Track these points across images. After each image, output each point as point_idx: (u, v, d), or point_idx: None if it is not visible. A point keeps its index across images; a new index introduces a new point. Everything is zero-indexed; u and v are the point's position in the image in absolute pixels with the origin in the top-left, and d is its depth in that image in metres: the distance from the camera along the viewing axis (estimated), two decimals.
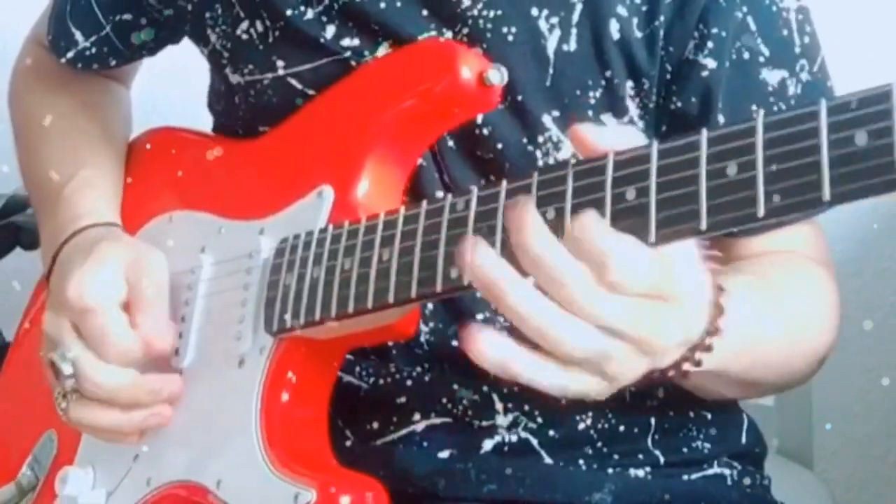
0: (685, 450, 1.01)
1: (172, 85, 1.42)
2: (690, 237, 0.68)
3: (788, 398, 1.42)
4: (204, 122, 1.13)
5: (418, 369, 0.98)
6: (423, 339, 0.97)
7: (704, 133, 0.68)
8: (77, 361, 0.93)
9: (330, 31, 0.97)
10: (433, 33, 0.95)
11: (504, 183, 0.77)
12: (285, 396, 0.90)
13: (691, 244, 0.71)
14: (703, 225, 0.67)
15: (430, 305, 0.96)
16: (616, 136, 0.73)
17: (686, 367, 0.77)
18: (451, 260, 0.78)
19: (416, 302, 0.81)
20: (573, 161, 0.73)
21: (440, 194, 0.94)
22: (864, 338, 1.67)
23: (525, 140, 0.95)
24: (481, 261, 0.70)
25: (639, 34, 0.94)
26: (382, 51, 0.96)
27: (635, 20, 0.94)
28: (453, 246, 0.78)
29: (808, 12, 0.99)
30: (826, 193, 0.63)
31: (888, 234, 1.68)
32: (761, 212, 0.65)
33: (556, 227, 0.71)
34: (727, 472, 1.03)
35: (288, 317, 0.88)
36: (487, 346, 0.70)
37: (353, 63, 0.97)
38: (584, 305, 0.69)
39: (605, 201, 0.71)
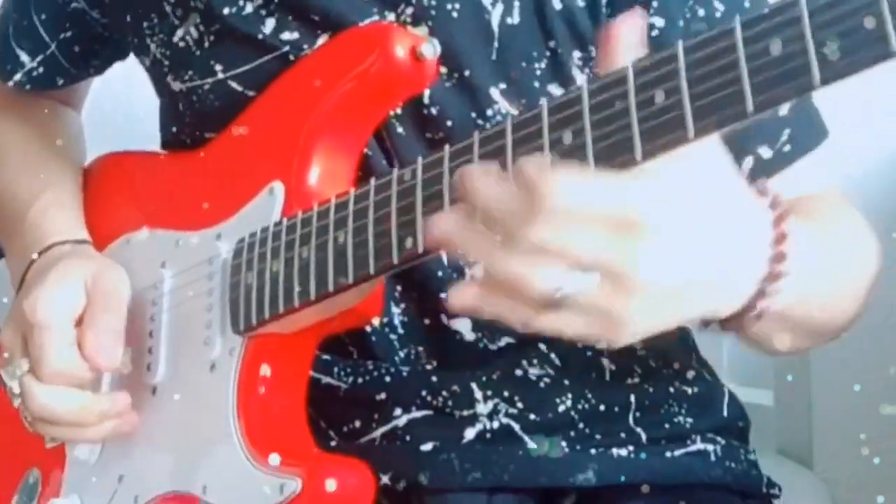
0: (667, 425, 1.01)
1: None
2: (629, 168, 0.68)
3: (788, 398, 1.42)
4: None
5: (396, 359, 0.98)
6: (397, 321, 0.98)
7: (630, 65, 0.69)
8: (23, 380, 0.94)
9: (269, 24, 0.98)
10: (375, 17, 0.96)
11: (447, 147, 0.78)
12: (260, 392, 0.90)
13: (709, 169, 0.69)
14: (639, 155, 0.68)
15: (398, 287, 0.97)
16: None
17: (761, 305, 0.74)
18: (404, 230, 0.79)
19: (375, 277, 0.82)
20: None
21: None
22: (864, 338, 1.67)
23: (474, 115, 0.96)
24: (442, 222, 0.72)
25: (581, 3, 0.95)
26: (321, 43, 0.97)
27: None
28: (405, 216, 0.79)
29: None
30: (749, 104, 0.64)
31: (888, 235, 1.68)
32: (691, 133, 0.66)
33: None
34: (710, 447, 1.02)
35: (253, 314, 0.89)
36: (457, 299, 0.70)
37: (291, 58, 0.97)
38: (528, 235, 0.67)
39: (544, 148, 0.72)
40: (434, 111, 0.96)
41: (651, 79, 0.68)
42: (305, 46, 0.97)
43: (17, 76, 1.15)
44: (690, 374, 1.04)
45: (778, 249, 0.73)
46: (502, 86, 0.96)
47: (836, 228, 0.88)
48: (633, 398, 1.00)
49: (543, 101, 0.73)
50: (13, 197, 1.11)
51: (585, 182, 0.67)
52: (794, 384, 1.40)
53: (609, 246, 0.67)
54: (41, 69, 1.15)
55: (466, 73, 0.96)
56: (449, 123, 0.96)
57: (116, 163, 1.14)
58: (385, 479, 0.94)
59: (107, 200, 1.11)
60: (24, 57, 1.14)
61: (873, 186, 1.66)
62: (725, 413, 1.05)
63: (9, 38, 1.15)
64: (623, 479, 0.98)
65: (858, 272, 0.91)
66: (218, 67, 1.00)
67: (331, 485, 0.84)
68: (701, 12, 0.95)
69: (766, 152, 0.95)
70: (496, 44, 0.95)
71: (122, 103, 1.41)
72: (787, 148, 0.96)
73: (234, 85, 1.00)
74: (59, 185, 1.11)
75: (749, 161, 0.95)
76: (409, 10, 0.96)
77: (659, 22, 0.95)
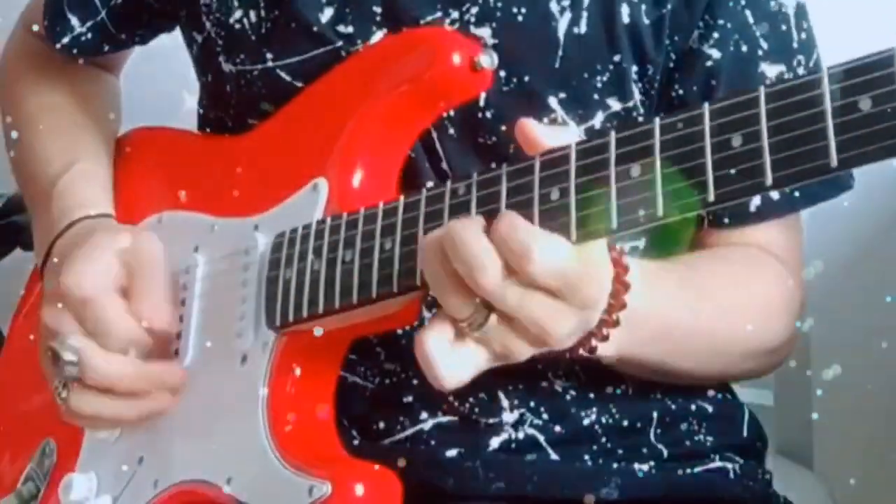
0: (688, 442, 1.02)
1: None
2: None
3: (788, 398, 1.42)
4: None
5: None
6: None
7: (706, 106, 0.68)
8: (80, 350, 0.93)
9: (328, 13, 0.97)
10: (438, 14, 0.95)
11: (504, 166, 0.77)
12: (291, 390, 0.89)
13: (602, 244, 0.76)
14: (712, 197, 0.68)
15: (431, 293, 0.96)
16: (556, 135, 0.77)
17: (581, 352, 0.82)
18: None
19: (420, 290, 0.81)
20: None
21: (431, 185, 0.94)
22: (864, 338, 1.67)
23: None
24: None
25: (647, 21, 0.95)
26: (376, 40, 0.96)
27: (644, 6, 0.95)
28: None
29: (804, 9, 1.00)
30: (833, 159, 0.63)
31: (888, 234, 1.68)
32: (769, 181, 0.65)
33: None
34: (729, 465, 1.03)
35: (290, 311, 0.88)
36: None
37: (343, 54, 0.96)
38: (492, 283, 0.74)
39: (610, 179, 0.72)
40: (489, 114, 0.95)
41: (728, 122, 0.67)
42: (359, 42, 0.96)
43: (66, 40, 1.14)
44: (711, 393, 1.04)
45: (611, 316, 0.81)
46: (562, 95, 0.95)
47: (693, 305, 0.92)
48: (655, 414, 1.00)
49: (612, 132, 0.72)
50: (43, 168, 1.10)
51: (563, 256, 0.74)
52: (794, 384, 1.40)
53: (544, 312, 0.75)
54: (89, 34, 1.13)
55: (526, 78, 0.95)
56: (503, 128, 0.95)
57: (152, 138, 1.13)
58: (407, 483, 0.93)
59: (141, 176, 1.09)
60: (74, 21, 1.13)
61: (874, 185, 1.65)
62: (745, 433, 1.06)
63: (62, 1, 1.13)
64: (643, 494, 0.98)
65: (722, 328, 0.94)
66: (269, 55, 0.99)
67: (359, 490, 0.83)
68: (744, 48, 0.95)
69: (774, 194, 0.95)
70: (560, 52, 0.94)
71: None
72: (797, 194, 0.97)
73: (282, 74, 0.99)
74: (91, 157, 1.10)
75: (757, 199, 0.96)
76: (474, 10, 0.94)
77: (716, 54, 0.95)
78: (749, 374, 1.03)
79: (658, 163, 0.69)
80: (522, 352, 0.78)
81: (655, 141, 0.70)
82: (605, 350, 0.84)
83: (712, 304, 0.92)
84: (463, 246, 0.75)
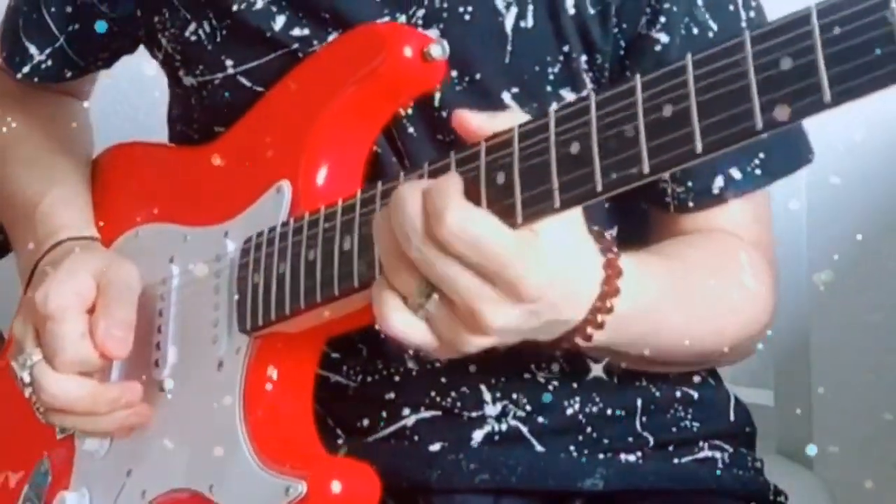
0: (674, 429, 1.02)
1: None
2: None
3: (788, 398, 1.42)
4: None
5: (406, 357, 0.98)
6: None
7: (638, 78, 0.69)
8: (34, 370, 0.95)
9: (280, 21, 0.98)
10: (386, 18, 0.96)
11: (452, 154, 0.78)
12: (267, 393, 0.90)
13: (574, 235, 0.76)
14: (647, 168, 0.68)
15: None
16: (493, 121, 0.77)
17: (577, 340, 0.81)
18: None
19: None
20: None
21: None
22: (864, 338, 1.67)
23: None
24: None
25: (592, 10, 0.95)
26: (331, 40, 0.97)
27: None
28: None
29: None
30: (758, 121, 0.63)
31: (888, 234, 1.68)
32: (699, 149, 0.66)
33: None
34: (718, 455, 1.03)
35: (260, 314, 0.89)
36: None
37: (300, 55, 0.97)
38: (413, 244, 0.73)
39: (551, 159, 0.72)
40: (444, 114, 0.95)
41: (658, 91, 0.68)
42: (315, 43, 0.97)
43: (26, 69, 1.14)
44: (696, 379, 1.03)
45: (605, 302, 0.79)
46: (514, 90, 0.95)
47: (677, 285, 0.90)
48: (639, 402, 1.00)
49: (551, 110, 0.73)
50: (22, 193, 1.11)
51: (479, 231, 0.73)
52: (794, 384, 1.40)
53: (468, 288, 0.74)
54: (49, 62, 1.14)
55: (478, 76, 0.95)
56: None
57: (127, 154, 1.14)
58: (392, 479, 0.93)
59: (117, 193, 1.11)
60: (32, 50, 1.13)
61: (874, 185, 1.66)
62: (732, 418, 1.05)
63: (18, 31, 1.14)
64: (630, 485, 0.99)
65: (701, 314, 0.92)
66: (229, 62, 1.00)
67: (336, 487, 0.84)
68: (695, 31, 0.95)
69: (736, 174, 0.96)
70: (509, 47, 0.95)
71: (126, 98, 1.41)
72: (758, 171, 0.97)
73: (243, 80, 1.00)
74: (68, 181, 1.11)
75: (720, 180, 0.96)
76: (421, 13, 0.95)
77: (664, 38, 0.95)
78: (735, 360, 1.02)
79: (595, 139, 0.70)
80: (465, 340, 0.76)
81: (591, 116, 0.70)
82: (587, 347, 0.83)
83: (700, 300, 0.91)
84: (398, 206, 0.75)
